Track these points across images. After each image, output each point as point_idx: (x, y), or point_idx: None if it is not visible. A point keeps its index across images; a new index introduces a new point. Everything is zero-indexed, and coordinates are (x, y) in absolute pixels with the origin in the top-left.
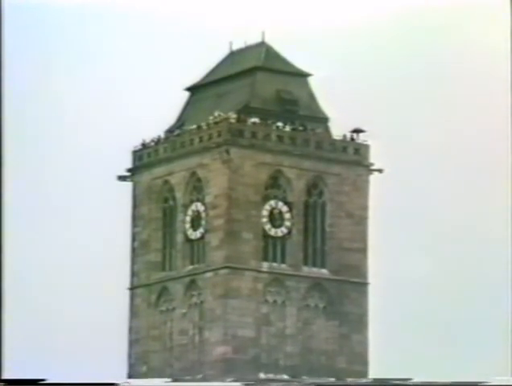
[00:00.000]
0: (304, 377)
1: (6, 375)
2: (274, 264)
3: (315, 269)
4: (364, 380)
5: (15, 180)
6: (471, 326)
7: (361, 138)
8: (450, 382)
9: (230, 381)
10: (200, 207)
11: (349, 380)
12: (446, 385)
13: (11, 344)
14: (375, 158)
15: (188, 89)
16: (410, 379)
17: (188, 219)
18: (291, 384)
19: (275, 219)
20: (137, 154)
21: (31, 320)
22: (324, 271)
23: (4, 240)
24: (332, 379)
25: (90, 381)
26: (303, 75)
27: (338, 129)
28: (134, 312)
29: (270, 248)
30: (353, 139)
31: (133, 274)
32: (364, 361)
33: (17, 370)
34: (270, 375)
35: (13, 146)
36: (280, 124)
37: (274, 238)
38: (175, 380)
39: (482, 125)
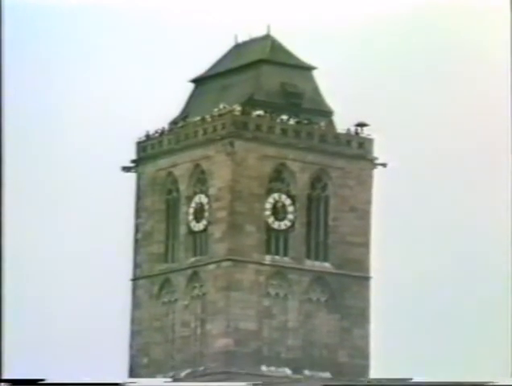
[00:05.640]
0: (306, 372)
1: (9, 368)
2: (277, 257)
3: (317, 263)
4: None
5: (18, 172)
6: (473, 321)
7: (366, 132)
8: (456, 382)
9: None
10: (203, 199)
11: (356, 380)
12: (453, 385)
13: (12, 333)
14: (379, 152)
15: (193, 81)
16: (410, 378)
17: (192, 211)
18: (297, 383)
19: (278, 212)
20: (141, 146)
21: (33, 310)
22: (327, 265)
23: (5, 230)
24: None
25: (94, 370)
26: (307, 69)
27: (342, 122)
28: (136, 303)
29: (273, 241)
30: (357, 133)
31: (135, 265)
32: (365, 355)
33: (18, 363)
34: (272, 368)
35: (15, 138)
36: (284, 117)
37: (277, 231)
38: (175, 380)
39: (485, 119)
